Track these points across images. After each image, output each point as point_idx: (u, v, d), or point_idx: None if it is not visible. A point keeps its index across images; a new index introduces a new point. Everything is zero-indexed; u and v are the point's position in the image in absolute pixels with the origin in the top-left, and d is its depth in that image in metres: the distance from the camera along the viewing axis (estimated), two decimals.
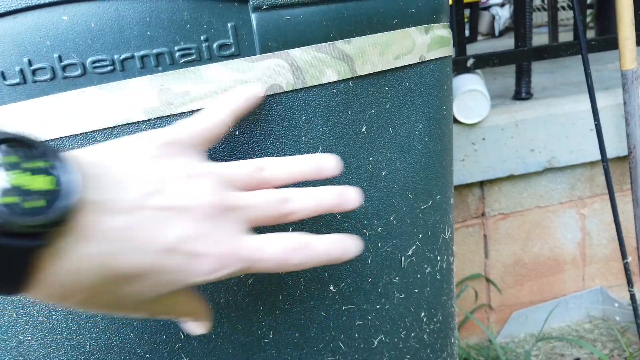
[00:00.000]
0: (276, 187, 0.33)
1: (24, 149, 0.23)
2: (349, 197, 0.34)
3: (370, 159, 0.43)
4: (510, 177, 1.13)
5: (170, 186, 0.28)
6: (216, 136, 0.33)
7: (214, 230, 0.28)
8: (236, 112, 0.34)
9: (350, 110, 0.40)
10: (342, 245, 0.32)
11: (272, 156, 0.38)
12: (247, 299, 0.40)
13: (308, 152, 0.39)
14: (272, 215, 0.31)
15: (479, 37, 3.13)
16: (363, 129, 0.41)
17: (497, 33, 3.30)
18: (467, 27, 2.85)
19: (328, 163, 0.35)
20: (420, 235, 0.48)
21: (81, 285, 0.25)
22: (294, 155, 0.39)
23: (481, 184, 1.13)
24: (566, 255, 1.24)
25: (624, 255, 0.88)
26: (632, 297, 0.89)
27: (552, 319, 1.24)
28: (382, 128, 0.43)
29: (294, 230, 0.40)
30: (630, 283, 0.89)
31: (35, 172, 0.23)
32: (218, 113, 0.33)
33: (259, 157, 0.38)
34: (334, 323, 0.44)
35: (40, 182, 0.23)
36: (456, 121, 1.04)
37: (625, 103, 0.99)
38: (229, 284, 0.39)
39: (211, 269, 0.28)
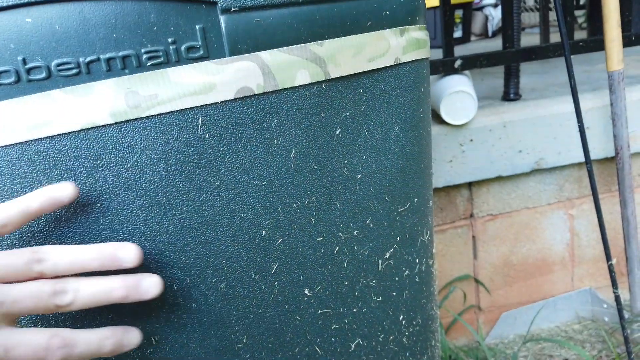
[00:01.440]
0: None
1: None
2: (144, 289, 0.33)
3: (345, 161, 0.42)
4: (499, 178, 1.13)
5: None
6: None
7: None
8: (28, 214, 0.32)
9: (323, 113, 0.40)
10: (115, 341, 0.33)
11: (243, 159, 0.38)
12: (219, 304, 0.40)
13: (281, 156, 0.39)
14: (42, 308, 0.31)
15: (473, 38, 3.13)
16: (337, 132, 0.41)
17: (490, 33, 3.31)
18: (460, 27, 2.85)
19: (124, 253, 0.33)
20: (398, 238, 0.47)
21: None
22: (265, 158, 0.39)
23: (469, 185, 1.13)
24: (555, 256, 1.24)
25: (608, 257, 0.88)
26: (617, 298, 0.89)
27: (541, 319, 1.24)
28: (357, 131, 0.42)
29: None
30: (614, 285, 0.89)
31: None
32: (6, 211, 0.32)
33: (230, 160, 0.37)
34: (309, 327, 0.44)
35: None
36: (444, 122, 1.04)
37: (612, 104, 0.99)
38: (201, 289, 0.39)
39: None
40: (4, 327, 0.30)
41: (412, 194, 0.48)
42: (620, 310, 0.89)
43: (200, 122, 0.36)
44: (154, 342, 0.39)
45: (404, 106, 0.45)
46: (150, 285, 0.33)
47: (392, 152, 0.45)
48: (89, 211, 0.35)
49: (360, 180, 0.43)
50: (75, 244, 0.36)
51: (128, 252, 0.33)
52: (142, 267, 0.37)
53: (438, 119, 1.07)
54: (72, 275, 0.32)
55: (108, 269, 0.33)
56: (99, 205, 0.35)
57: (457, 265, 1.19)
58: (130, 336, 0.33)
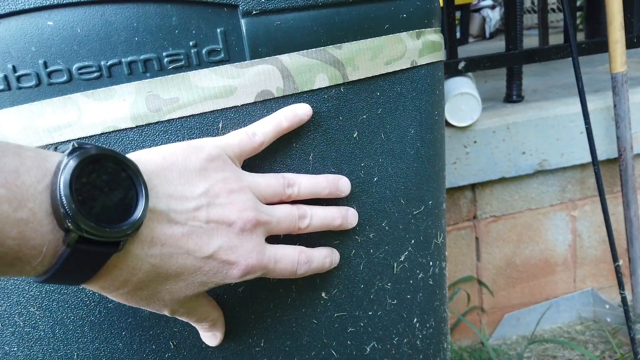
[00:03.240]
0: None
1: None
2: (350, 220, 0.41)
3: (362, 164, 0.42)
4: (502, 180, 1.13)
5: (217, 199, 0.31)
6: (256, 151, 0.36)
7: (247, 242, 0.32)
8: (280, 130, 0.36)
9: (341, 115, 0.40)
10: (330, 260, 0.40)
11: (262, 163, 0.38)
12: (237, 308, 0.40)
13: (299, 158, 0.39)
14: (288, 229, 0.36)
15: (470, 39, 3.14)
16: (354, 135, 0.41)
17: (487, 35, 3.32)
18: (458, 29, 2.86)
19: (343, 184, 0.40)
20: (413, 241, 0.47)
21: (131, 281, 0.29)
22: (284, 162, 0.38)
23: (473, 186, 1.14)
24: (557, 257, 1.25)
25: (615, 258, 0.89)
26: (624, 299, 0.90)
27: (544, 320, 1.25)
28: (374, 133, 0.42)
29: None
30: (621, 286, 0.89)
31: None
32: (264, 129, 0.36)
33: (249, 164, 0.37)
34: (325, 330, 0.44)
35: None
36: (448, 124, 1.04)
37: (615, 106, 0.99)
38: (219, 292, 0.39)
39: (239, 274, 0.32)
40: (266, 243, 0.34)
41: (426, 197, 0.48)
42: (626, 311, 0.90)
43: (220, 125, 0.35)
44: (172, 347, 0.39)
45: (420, 109, 0.45)
46: (353, 216, 0.41)
47: (408, 154, 0.45)
48: None
49: (376, 183, 0.43)
50: None
51: (345, 184, 0.40)
52: None
53: None
54: (304, 202, 0.38)
55: (332, 196, 0.39)
56: None
57: (461, 266, 1.19)
58: (336, 257, 0.41)
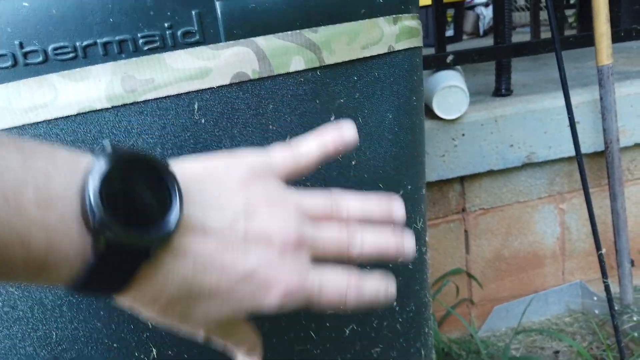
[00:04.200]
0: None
1: None
2: (407, 250, 0.34)
3: None
4: (490, 173, 1.14)
5: (257, 213, 0.29)
6: (301, 171, 0.33)
7: (288, 262, 0.29)
8: (325, 153, 0.33)
9: (318, 99, 0.40)
10: (384, 291, 0.33)
11: (239, 145, 0.38)
12: None
13: (276, 141, 0.39)
14: (334, 253, 0.32)
15: (464, 37, 3.15)
16: (332, 118, 0.42)
17: (482, 32, 3.33)
18: (452, 26, 2.86)
19: (397, 208, 0.35)
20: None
21: (163, 296, 0.26)
22: (261, 144, 0.39)
23: (461, 179, 1.14)
24: (546, 250, 1.25)
25: (598, 246, 0.89)
26: (607, 288, 0.91)
27: (533, 313, 1.26)
28: (352, 118, 0.43)
29: None
30: (604, 274, 0.90)
31: None
32: (308, 149, 0.33)
33: (226, 145, 0.38)
34: (304, 312, 0.44)
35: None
36: (436, 117, 1.04)
37: (601, 98, 1.00)
38: None
39: (278, 298, 0.29)
40: (311, 266, 0.30)
41: (405, 182, 0.48)
42: (610, 299, 0.91)
43: (196, 107, 0.36)
44: (150, 327, 0.39)
45: (398, 94, 0.45)
46: (409, 248, 0.34)
47: (386, 139, 0.45)
48: None
49: (354, 167, 0.44)
50: None
51: (400, 208, 0.35)
52: None
53: (430, 114, 1.08)
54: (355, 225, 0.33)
55: (384, 220, 0.34)
56: None
57: (450, 259, 1.20)
58: (392, 287, 0.34)
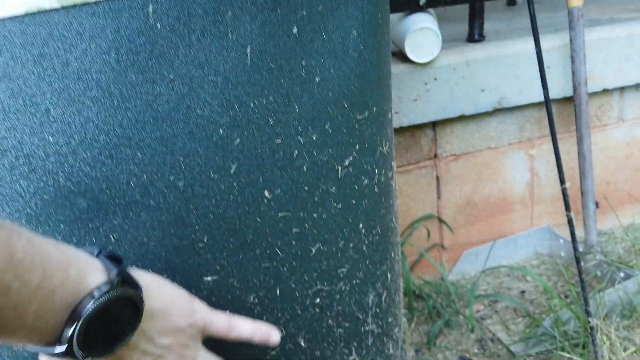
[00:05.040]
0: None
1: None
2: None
3: (303, 63, 0.42)
4: (462, 118, 1.15)
5: (168, 356, 0.37)
6: (226, 339, 0.41)
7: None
8: (251, 340, 0.42)
9: (279, 9, 0.40)
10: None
11: (197, 54, 0.37)
12: (178, 202, 0.40)
13: (236, 51, 0.39)
14: None
15: None
16: (294, 31, 0.41)
17: None
18: None
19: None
20: (357, 147, 0.48)
21: None
22: (220, 53, 0.38)
23: (433, 125, 1.15)
24: (515, 196, 1.28)
25: (562, 180, 0.92)
26: (570, 221, 0.94)
27: (501, 257, 1.30)
28: (315, 32, 0.42)
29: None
30: (567, 207, 0.93)
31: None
32: (241, 331, 0.41)
33: (183, 54, 0.37)
34: (270, 229, 0.44)
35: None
36: (408, 60, 1.04)
37: (571, 41, 1.01)
38: (159, 186, 0.39)
39: None
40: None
41: (370, 103, 0.48)
42: (572, 232, 0.94)
43: (151, 10, 0.35)
44: (113, 240, 0.39)
45: (362, 10, 0.44)
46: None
47: (351, 57, 0.45)
48: (39, 102, 0.35)
49: (318, 84, 0.44)
50: (26, 135, 0.35)
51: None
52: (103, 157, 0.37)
53: (403, 57, 1.07)
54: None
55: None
56: (49, 95, 0.35)
57: (422, 205, 1.22)
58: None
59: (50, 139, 0.36)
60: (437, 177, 1.21)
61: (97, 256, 0.34)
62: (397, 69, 1.03)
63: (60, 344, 0.31)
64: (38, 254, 0.28)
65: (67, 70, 0.34)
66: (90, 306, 0.31)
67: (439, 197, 1.22)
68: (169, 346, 0.37)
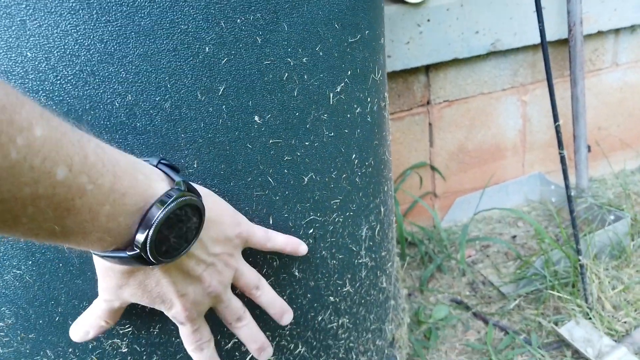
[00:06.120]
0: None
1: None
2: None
3: None
4: (455, 62, 1.13)
5: (217, 265, 0.39)
6: (261, 250, 0.44)
7: (203, 301, 0.40)
8: (283, 250, 0.45)
9: None
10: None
11: None
12: (165, 125, 0.39)
13: None
14: (224, 319, 0.43)
15: None
16: None
17: None
18: None
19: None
20: (349, 72, 0.47)
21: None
22: None
23: (427, 69, 1.13)
24: (507, 142, 1.28)
25: (555, 118, 0.91)
26: (562, 159, 0.94)
27: (493, 203, 1.30)
28: None
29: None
30: (561, 145, 0.92)
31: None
32: (275, 243, 0.44)
33: None
34: (261, 157, 0.43)
35: None
36: (401, 1, 1.01)
37: None
38: (144, 107, 0.38)
39: (177, 316, 0.39)
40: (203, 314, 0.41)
41: (362, 25, 0.46)
42: (565, 170, 0.93)
43: None
44: None
45: None
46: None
47: None
48: (13, 13, 0.33)
49: (308, 1, 0.42)
50: (2, 50, 0.33)
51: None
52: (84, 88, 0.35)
53: None
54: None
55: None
56: (23, 5, 0.33)
57: (414, 152, 1.21)
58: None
59: (28, 54, 0.34)
60: (430, 124, 1.19)
61: (156, 166, 0.35)
62: (389, 10, 1.01)
63: (132, 248, 0.31)
64: (108, 158, 0.29)
65: None
66: (161, 212, 0.31)
67: (431, 145, 1.22)
68: (219, 255, 0.39)
